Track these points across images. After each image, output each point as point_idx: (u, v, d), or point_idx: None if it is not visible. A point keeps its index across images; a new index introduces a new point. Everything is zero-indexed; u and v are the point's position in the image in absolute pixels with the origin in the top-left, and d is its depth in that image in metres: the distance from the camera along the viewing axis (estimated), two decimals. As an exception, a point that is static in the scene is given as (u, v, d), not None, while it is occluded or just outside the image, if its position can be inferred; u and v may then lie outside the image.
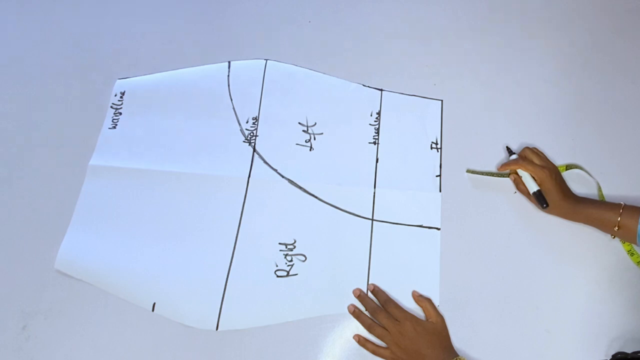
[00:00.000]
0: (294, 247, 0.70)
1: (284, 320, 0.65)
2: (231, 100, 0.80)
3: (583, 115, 0.79)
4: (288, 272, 0.68)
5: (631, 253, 0.69)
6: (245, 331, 0.64)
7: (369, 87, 0.81)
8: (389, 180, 0.74)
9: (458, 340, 0.64)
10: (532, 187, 0.69)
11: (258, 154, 0.76)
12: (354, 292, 0.66)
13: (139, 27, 0.86)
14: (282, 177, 0.74)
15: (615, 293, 0.68)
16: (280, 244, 0.70)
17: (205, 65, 0.83)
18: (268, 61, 0.83)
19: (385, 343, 0.63)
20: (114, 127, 0.78)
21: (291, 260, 0.69)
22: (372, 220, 0.71)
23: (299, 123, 0.78)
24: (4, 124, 0.77)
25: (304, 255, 0.69)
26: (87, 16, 0.86)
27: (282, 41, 0.84)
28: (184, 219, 0.71)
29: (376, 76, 0.81)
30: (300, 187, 0.73)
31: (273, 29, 0.85)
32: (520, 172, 0.71)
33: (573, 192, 0.71)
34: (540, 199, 0.69)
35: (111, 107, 0.80)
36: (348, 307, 0.66)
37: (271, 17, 0.86)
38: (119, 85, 0.81)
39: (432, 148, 0.76)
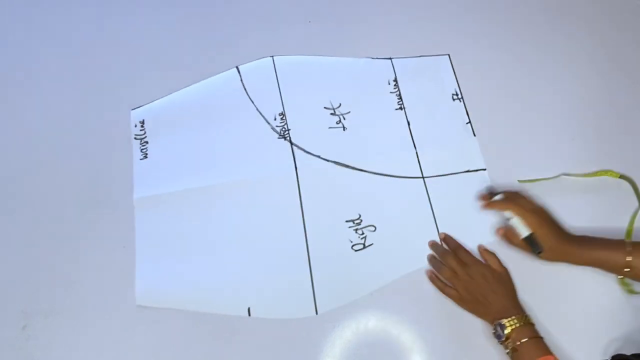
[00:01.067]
0: (361, 221, 0.73)
1: (375, 288, 0.69)
2: (252, 102, 0.81)
3: (583, 115, 0.80)
4: (364, 244, 0.71)
5: (623, 282, 0.67)
6: (246, 330, 0.66)
7: (377, 58, 0.85)
8: (425, 138, 0.78)
9: (459, 338, 0.65)
10: (523, 231, 0.64)
11: (296, 145, 0.78)
12: (428, 243, 0.71)
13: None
14: (327, 160, 0.77)
15: (615, 293, 0.68)
16: (347, 221, 0.73)
17: (215, 76, 0.84)
18: (274, 57, 0.84)
19: (453, 285, 0.65)
20: (145, 157, 0.78)
21: (362, 233, 0.72)
22: (423, 178, 0.76)
23: (325, 108, 0.81)
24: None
25: (373, 226, 0.72)
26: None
27: (282, 40, 0.85)
28: (248, 225, 0.73)
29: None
30: (347, 166, 0.76)
31: (273, 28, 0.86)
32: (507, 214, 0.66)
33: (568, 230, 0.66)
34: (533, 244, 0.63)
35: (135, 138, 0.79)
36: (426, 272, 0.69)
37: (271, 17, 0.87)
38: (135, 115, 0.81)
39: (454, 100, 0.81)
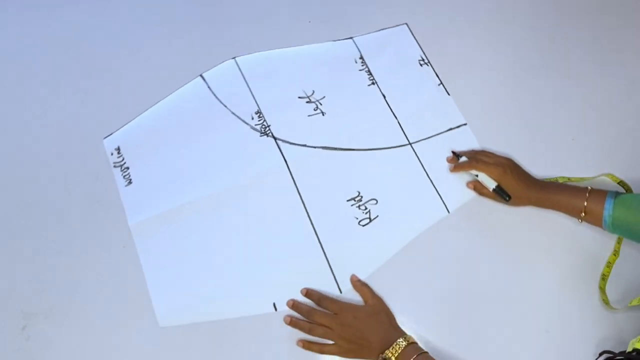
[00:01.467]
0: (361, 197, 0.74)
1: (389, 256, 0.70)
2: (225, 106, 0.81)
3: (583, 115, 0.81)
4: (370, 218, 0.72)
5: (603, 295, 0.69)
6: (248, 327, 0.66)
7: (339, 40, 0.86)
8: (403, 107, 0.80)
9: (458, 340, 0.66)
10: (491, 184, 0.70)
11: (280, 139, 0.78)
12: (287, 303, 0.66)
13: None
14: (314, 147, 0.77)
15: (615, 294, 0.69)
16: (348, 200, 0.74)
17: (180, 89, 0.82)
18: (236, 58, 0.84)
19: (331, 340, 0.62)
20: (130, 183, 0.75)
21: (366, 208, 0.73)
22: (410, 144, 0.78)
23: (299, 97, 0.81)
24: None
25: (374, 199, 0.74)
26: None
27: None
28: (252, 227, 0.72)
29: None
30: (335, 148, 0.77)
31: (271, 28, 0.86)
32: (474, 172, 0.72)
33: (536, 177, 0.72)
34: (501, 194, 0.69)
35: (114, 166, 0.77)
36: (284, 319, 0.65)
37: (270, 17, 0.87)
38: (108, 143, 0.78)
39: (421, 65, 0.84)
